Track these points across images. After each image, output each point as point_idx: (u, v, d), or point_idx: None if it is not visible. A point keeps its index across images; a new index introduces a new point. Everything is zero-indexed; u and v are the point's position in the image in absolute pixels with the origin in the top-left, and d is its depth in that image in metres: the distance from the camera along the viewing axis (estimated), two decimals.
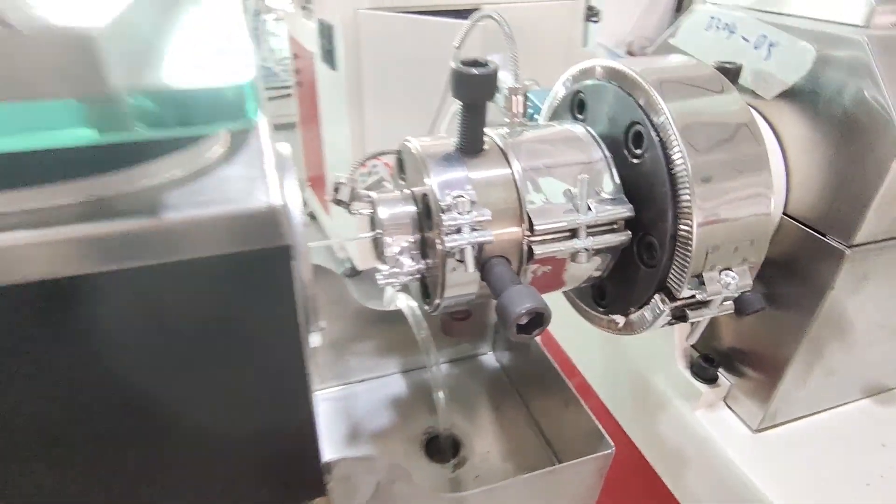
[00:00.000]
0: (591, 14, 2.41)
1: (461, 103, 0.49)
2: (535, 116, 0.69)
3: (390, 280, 0.52)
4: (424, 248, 0.53)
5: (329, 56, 2.05)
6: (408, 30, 1.85)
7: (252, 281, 0.32)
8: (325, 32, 2.03)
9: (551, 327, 0.93)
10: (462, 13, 1.92)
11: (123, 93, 0.23)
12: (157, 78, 0.26)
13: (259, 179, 0.31)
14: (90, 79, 0.22)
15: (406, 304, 0.75)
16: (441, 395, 0.74)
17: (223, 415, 0.38)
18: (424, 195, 0.51)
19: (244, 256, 0.31)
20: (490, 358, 0.87)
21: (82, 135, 0.24)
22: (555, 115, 0.64)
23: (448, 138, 0.54)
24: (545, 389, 0.76)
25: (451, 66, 0.47)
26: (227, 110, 0.27)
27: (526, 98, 0.54)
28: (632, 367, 0.77)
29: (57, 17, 0.22)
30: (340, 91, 2.02)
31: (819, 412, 0.69)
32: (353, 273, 2.40)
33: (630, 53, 4.67)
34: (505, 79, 0.59)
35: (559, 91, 0.62)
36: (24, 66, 0.21)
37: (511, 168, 0.52)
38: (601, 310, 0.61)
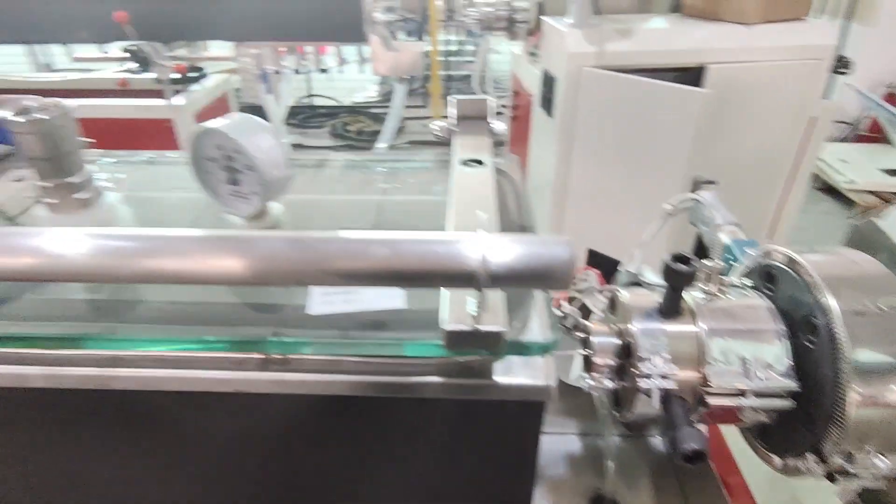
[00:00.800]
0: (841, 65, 2.21)
1: (667, 284, 0.66)
2: (733, 264, 0.82)
3: (592, 390, 0.72)
4: (621, 371, 0.72)
5: (547, 103, 2.25)
6: (628, 88, 1.97)
7: (526, 406, 0.59)
8: (548, 82, 2.22)
9: (722, 426, 1.04)
10: (688, 71, 1.98)
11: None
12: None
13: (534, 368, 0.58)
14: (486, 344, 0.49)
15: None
16: (611, 463, 0.92)
17: (488, 465, 0.66)
18: (627, 335, 0.69)
19: (525, 403, 0.58)
20: (657, 440, 1.02)
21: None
22: (748, 274, 0.77)
23: (650, 294, 0.71)
24: (701, 483, 0.89)
25: (664, 260, 0.64)
26: (544, 350, 0.53)
27: (721, 278, 0.69)
28: (790, 490, 0.86)
29: None
30: (552, 137, 2.21)
31: None
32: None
33: (891, 97, 4.07)
34: (712, 228, 0.74)
35: (749, 263, 0.75)
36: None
37: (698, 329, 0.68)
38: (763, 444, 0.73)
